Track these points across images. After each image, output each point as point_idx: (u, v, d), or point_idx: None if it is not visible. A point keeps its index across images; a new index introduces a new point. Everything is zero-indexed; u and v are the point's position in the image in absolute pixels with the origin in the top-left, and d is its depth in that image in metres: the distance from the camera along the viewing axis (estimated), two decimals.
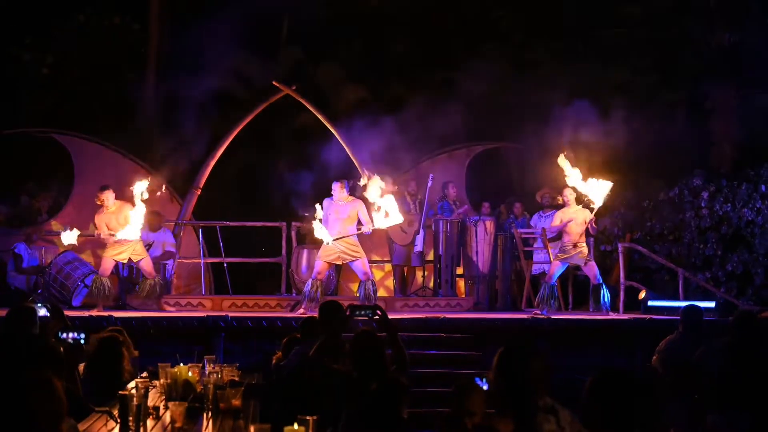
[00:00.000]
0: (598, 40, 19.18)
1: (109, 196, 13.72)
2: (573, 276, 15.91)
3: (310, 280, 13.52)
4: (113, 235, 13.56)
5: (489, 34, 19.70)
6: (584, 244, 14.22)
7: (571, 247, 14.16)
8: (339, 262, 13.75)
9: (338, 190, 13.35)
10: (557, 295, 14.48)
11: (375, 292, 13.45)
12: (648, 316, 13.67)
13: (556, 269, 14.33)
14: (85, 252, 15.88)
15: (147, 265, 14.06)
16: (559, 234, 14.43)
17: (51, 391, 4.09)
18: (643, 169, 17.73)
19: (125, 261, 14.09)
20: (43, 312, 7.56)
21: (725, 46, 18.74)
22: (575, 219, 14.11)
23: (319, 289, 13.42)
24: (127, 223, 13.55)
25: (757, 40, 18.11)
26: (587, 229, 14.17)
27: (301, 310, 13.17)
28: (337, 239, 13.22)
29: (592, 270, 14.31)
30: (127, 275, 15.27)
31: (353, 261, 13.47)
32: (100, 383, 6.82)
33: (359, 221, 13.41)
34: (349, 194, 13.46)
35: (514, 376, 4.52)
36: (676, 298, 14.35)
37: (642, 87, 18.53)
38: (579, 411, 4.31)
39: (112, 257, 13.86)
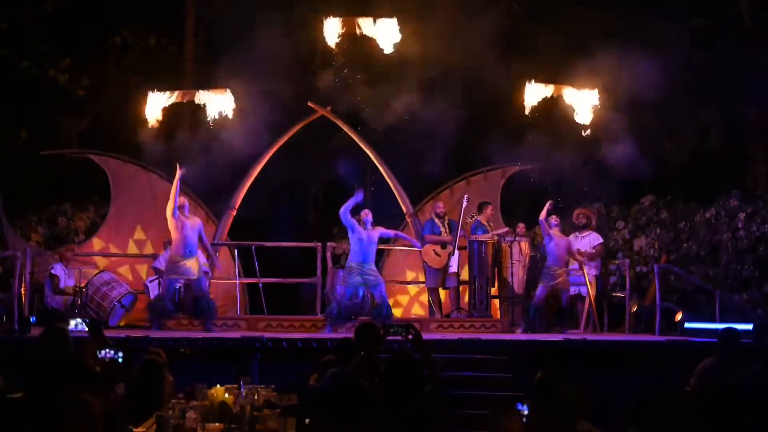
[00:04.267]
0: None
1: (186, 203, 13.75)
2: (609, 297, 15.86)
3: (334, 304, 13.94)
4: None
5: (520, 52, 19.66)
6: (563, 271, 14.79)
7: (554, 271, 14.74)
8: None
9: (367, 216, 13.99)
10: (536, 316, 14.70)
11: (386, 316, 13.74)
12: (684, 338, 13.57)
13: (539, 291, 14.77)
14: (123, 267, 15.98)
15: (203, 283, 13.86)
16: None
17: (88, 411, 4.11)
18: (679, 190, 17.63)
19: (194, 278, 13.80)
20: (82, 328, 7.59)
21: (761, 64, 18.61)
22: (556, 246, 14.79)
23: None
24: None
25: None
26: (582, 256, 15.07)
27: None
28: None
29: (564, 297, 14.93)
30: (179, 300, 15.19)
31: (375, 286, 13.91)
32: (141, 405, 6.84)
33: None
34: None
35: (552, 400, 4.51)
36: (712, 320, 14.21)
37: (677, 105, 18.43)
38: None
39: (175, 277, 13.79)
